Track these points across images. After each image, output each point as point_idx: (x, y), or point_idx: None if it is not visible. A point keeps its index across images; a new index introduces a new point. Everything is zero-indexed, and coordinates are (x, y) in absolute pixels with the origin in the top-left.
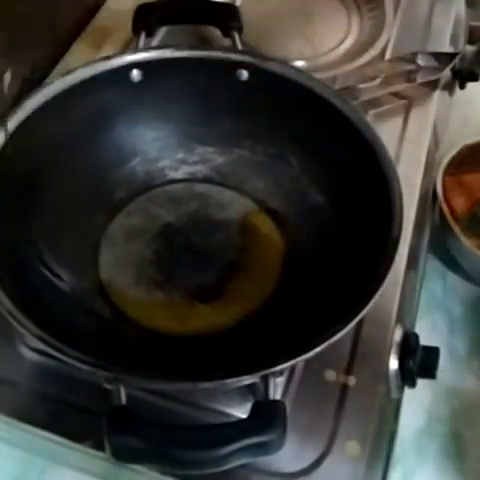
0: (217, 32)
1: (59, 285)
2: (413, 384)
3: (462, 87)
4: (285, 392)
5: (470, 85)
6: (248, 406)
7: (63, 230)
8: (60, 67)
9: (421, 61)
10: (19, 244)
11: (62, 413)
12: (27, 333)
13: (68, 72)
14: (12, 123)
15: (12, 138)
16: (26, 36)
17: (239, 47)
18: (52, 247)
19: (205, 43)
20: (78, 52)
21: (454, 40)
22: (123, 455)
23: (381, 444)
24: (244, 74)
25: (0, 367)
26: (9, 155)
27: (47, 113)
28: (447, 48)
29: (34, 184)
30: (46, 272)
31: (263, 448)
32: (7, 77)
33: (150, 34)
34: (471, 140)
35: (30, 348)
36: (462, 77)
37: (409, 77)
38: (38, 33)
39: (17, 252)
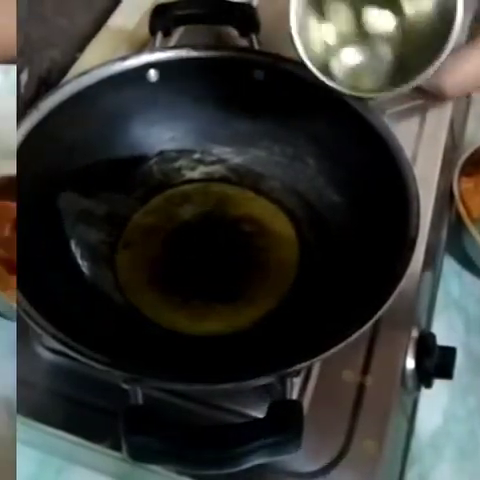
0: (234, 32)
1: (76, 285)
2: (430, 384)
3: None
4: (302, 392)
5: None
6: (265, 406)
7: (80, 231)
8: (76, 67)
9: None
10: (35, 244)
11: (79, 413)
12: (44, 333)
13: (84, 72)
14: (28, 124)
15: (28, 139)
16: (42, 36)
17: (256, 47)
18: (68, 247)
19: (222, 43)
20: (94, 52)
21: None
22: (140, 455)
23: (398, 444)
24: (261, 74)
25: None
26: (25, 156)
27: (63, 114)
28: None
29: (50, 185)
30: (63, 272)
31: (280, 448)
32: (23, 77)
33: (167, 34)
34: None
35: (47, 348)
36: None
37: None
38: (54, 33)
39: (33, 252)
